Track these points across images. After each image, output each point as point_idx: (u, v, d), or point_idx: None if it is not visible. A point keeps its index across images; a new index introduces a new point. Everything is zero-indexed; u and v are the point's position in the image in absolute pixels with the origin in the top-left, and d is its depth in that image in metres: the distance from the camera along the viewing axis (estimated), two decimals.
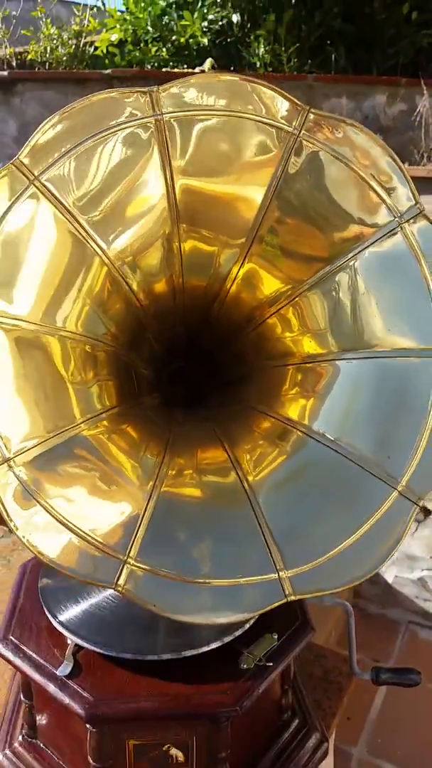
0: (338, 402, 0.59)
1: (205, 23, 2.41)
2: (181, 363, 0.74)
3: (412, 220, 0.55)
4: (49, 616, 0.66)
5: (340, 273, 0.60)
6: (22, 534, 0.47)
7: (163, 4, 2.50)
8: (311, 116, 0.54)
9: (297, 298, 0.63)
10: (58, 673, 0.61)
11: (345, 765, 1.57)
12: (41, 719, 0.70)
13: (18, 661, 0.64)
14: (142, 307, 0.63)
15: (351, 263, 0.59)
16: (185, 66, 2.54)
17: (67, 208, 0.53)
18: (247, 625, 0.64)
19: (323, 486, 0.55)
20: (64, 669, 0.62)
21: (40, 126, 0.51)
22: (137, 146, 0.54)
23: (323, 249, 0.60)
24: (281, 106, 0.55)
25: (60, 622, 0.65)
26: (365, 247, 0.57)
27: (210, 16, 2.38)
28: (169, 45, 2.52)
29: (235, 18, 2.33)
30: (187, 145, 0.55)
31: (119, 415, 0.59)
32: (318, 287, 0.61)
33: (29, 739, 0.71)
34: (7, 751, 0.71)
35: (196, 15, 2.36)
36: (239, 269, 0.63)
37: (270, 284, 0.64)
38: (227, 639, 0.63)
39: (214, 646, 0.62)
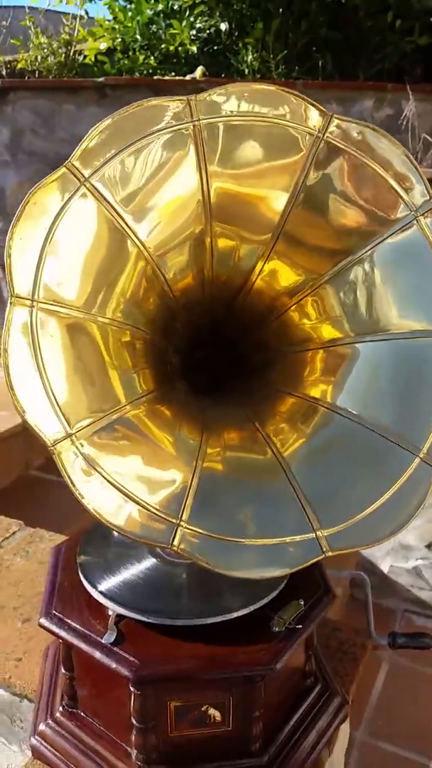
0: (359, 381, 0.64)
1: (194, 31, 2.47)
2: (206, 352, 0.78)
3: (426, 214, 0.60)
4: (90, 588, 0.70)
5: (357, 265, 0.65)
6: (87, 502, 0.51)
7: (150, 12, 2.55)
8: (335, 121, 0.60)
9: (317, 289, 0.68)
10: (103, 641, 0.66)
11: (347, 747, 1.62)
12: (82, 690, 0.74)
13: (63, 633, 0.68)
14: (175, 298, 0.67)
15: (368, 255, 0.64)
16: (173, 73, 2.60)
17: (113, 207, 0.58)
18: (275, 593, 0.69)
19: (350, 455, 0.60)
20: (109, 637, 0.66)
21: (90, 131, 0.56)
22: (176, 150, 0.59)
23: (343, 243, 0.65)
24: (306, 112, 0.60)
25: (101, 593, 0.69)
26: (384, 239, 0.63)
27: (198, 25, 2.44)
28: (158, 53, 2.57)
29: (223, 26, 2.40)
30: (222, 149, 0.60)
31: (156, 399, 0.64)
32: (337, 278, 0.67)
33: (70, 710, 0.75)
34: (49, 721, 0.76)
35: (184, 23, 2.42)
36: (264, 263, 0.68)
37: (292, 277, 0.69)
38: (259, 605, 0.68)
39: (247, 611, 0.67)
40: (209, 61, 2.52)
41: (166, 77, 2.31)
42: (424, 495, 0.56)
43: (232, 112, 0.59)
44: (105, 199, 0.58)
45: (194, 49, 2.41)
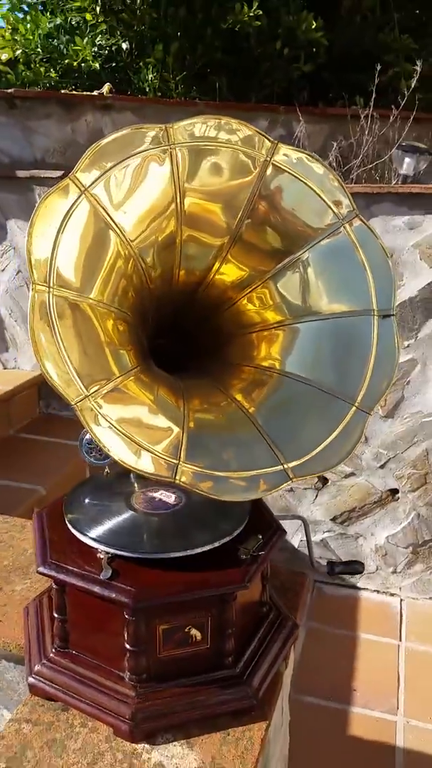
0: (305, 352, 0.81)
1: (95, 48, 2.59)
2: (166, 340, 0.92)
3: (350, 221, 0.78)
4: (82, 537, 0.82)
5: (296, 263, 0.82)
6: (108, 449, 0.64)
7: (50, 26, 2.64)
8: (281, 148, 0.76)
9: (263, 283, 0.85)
10: (101, 577, 0.78)
11: None
12: (74, 631, 0.85)
13: (63, 576, 0.79)
14: (149, 290, 0.81)
15: (305, 255, 0.82)
16: (74, 87, 2.70)
17: (107, 211, 0.71)
18: (239, 530, 0.84)
19: (303, 408, 0.76)
20: (106, 573, 0.78)
21: (87, 150, 0.69)
22: (156, 167, 0.73)
23: (285, 245, 0.82)
24: (258, 140, 0.76)
25: (92, 538, 0.81)
26: (317, 242, 0.80)
27: (99, 42, 2.56)
28: (59, 67, 2.66)
29: (125, 45, 2.53)
30: (191, 167, 0.75)
31: (140, 372, 0.77)
32: (279, 274, 0.84)
33: (62, 650, 0.86)
34: (44, 661, 0.86)
35: (86, 41, 2.53)
36: (221, 262, 0.83)
37: (243, 274, 0.85)
38: (227, 539, 0.83)
39: (218, 544, 0.82)
40: (109, 78, 2.64)
41: (74, 92, 2.41)
42: (360, 433, 0.74)
43: (200, 137, 0.74)
44: (101, 205, 0.70)
45: (96, 65, 2.52)
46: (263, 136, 0.76)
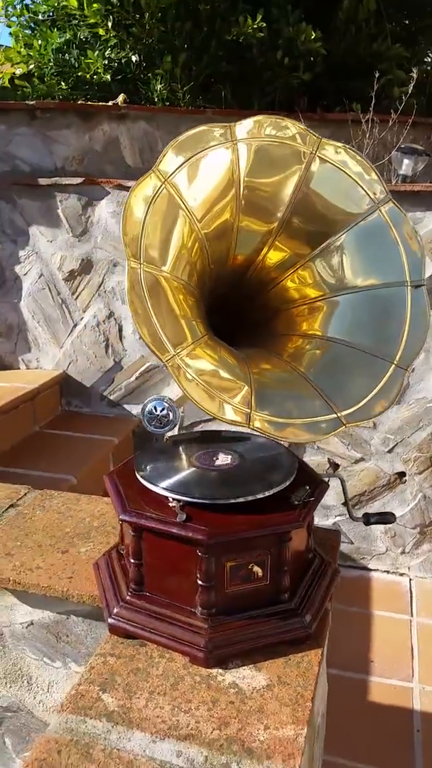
0: (345, 320, 0.93)
1: (105, 61, 2.71)
2: (217, 317, 1.04)
3: (384, 204, 0.90)
4: (154, 488, 0.93)
5: (336, 243, 0.94)
6: (194, 400, 0.75)
7: (60, 41, 2.77)
8: (325, 143, 0.88)
9: (306, 262, 0.96)
10: (177, 520, 0.89)
11: None
12: (148, 574, 0.96)
13: (143, 522, 0.90)
14: (210, 270, 0.93)
15: (344, 237, 0.93)
16: (84, 99, 2.82)
17: (182, 198, 0.83)
18: (290, 481, 0.96)
19: (348, 367, 0.88)
20: (181, 517, 0.89)
21: (167, 146, 0.80)
22: (221, 159, 0.85)
23: (326, 228, 0.94)
24: (305, 136, 0.88)
25: (165, 488, 0.92)
26: (355, 224, 0.92)
27: (110, 55, 2.69)
28: (71, 79, 2.78)
29: (134, 58, 2.66)
30: (249, 160, 0.87)
31: (208, 340, 0.89)
32: (321, 254, 0.95)
33: (137, 593, 0.97)
34: (122, 604, 0.96)
35: (97, 54, 2.65)
36: (270, 244, 0.95)
37: (288, 255, 0.97)
38: (280, 488, 0.94)
39: (273, 491, 0.93)
40: (119, 89, 2.77)
41: (90, 102, 2.53)
42: (399, 387, 0.86)
43: (256, 134, 0.86)
44: (178, 192, 0.82)
45: (107, 77, 2.65)
46: (310, 132, 0.88)
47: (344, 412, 0.82)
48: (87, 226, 2.30)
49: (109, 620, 0.96)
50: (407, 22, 3.28)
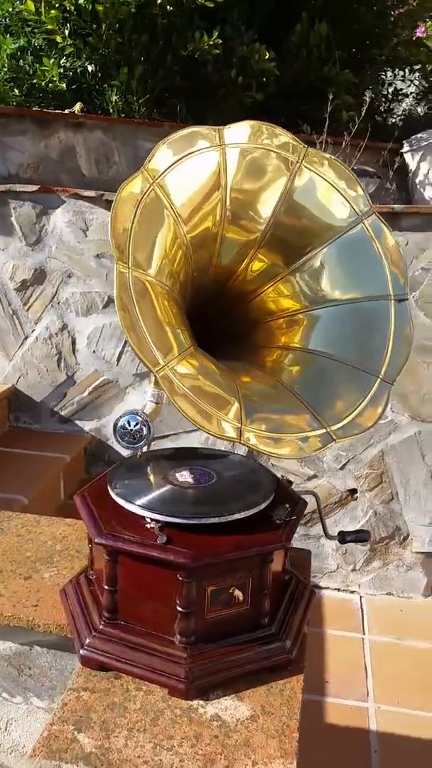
0: (329, 333, 0.91)
1: (61, 70, 2.65)
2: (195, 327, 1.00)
3: (367, 217, 0.89)
4: (131, 507, 0.88)
5: (319, 254, 0.93)
6: (184, 413, 0.71)
7: (14, 47, 2.69)
8: (310, 152, 0.87)
9: (289, 273, 0.94)
10: (158, 542, 0.84)
11: None
12: (123, 601, 0.90)
13: (120, 545, 0.85)
14: (192, 278, 0.89)
15: (327, 249, 0.92)
16: (37, 107, 2.74)
17: (171, 201, 0.79)
18: (269, 500, 0.92)
19: (334, 381, 0.86)
20: (161, 539, 0.84)
21: (155, 147, 0.77)
22: (208, 164, 0.82)
23: (309, 239, 0.92)
24: (293, 143, 0.86)
25: (143, 507, 0.87)
26: (339, 236, 0.90)
27: (66, 64, 2.63)
28: (25, 86, 2.70)
29: (90, 68, 2.61)
30: (236, 165, 0.84)
31: (194, 350, 0.85)
32: (304, 265, 0.93)
33: (111, 621, 0.91)
34: (94, 634, 0.90)
35: (53, 61, 2.59)
36: (253, 255, 0.92)
37: (270, 266, 0.94)
38: (262, 507, 0.90)
39: (257, 510, 0.89)
40: (74, 98, 2.71)
41: (47, 110, 2.46)
42: (386, 401, 0.84)
43: (244, 141, 0.84)
44: (166, 193, 0.79)
45: (63, 86, 2.59)
46: (296, 141, 0.87)
47: (334, 427, 0.80)
48: (41, 235, 2.22)
49: (81, 651, 0.89)
50: (354, 50, 3.37)
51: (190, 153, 0.80)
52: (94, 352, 2.33)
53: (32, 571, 1.10)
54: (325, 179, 0.88)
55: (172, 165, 0.79)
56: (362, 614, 2.44)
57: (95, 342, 2.32)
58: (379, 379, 0.85)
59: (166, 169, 0.78)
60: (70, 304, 2.30)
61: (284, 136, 0.86)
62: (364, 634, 2.34)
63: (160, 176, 0.78)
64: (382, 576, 2.48)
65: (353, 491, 2.45)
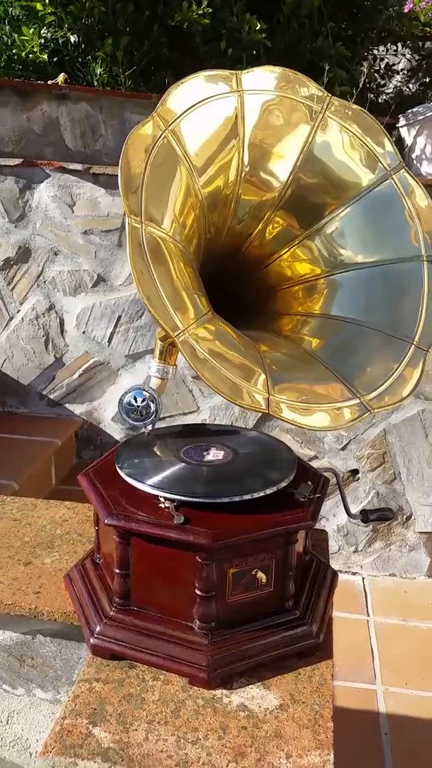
0: (356, 297, 0.84)
1: (42, 40, 2.54)
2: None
3: (397, 172, 0.83)
4: (144, 487, 0.81)
5: (343, 213, 0.86)
6: (207, 381, 0.65)
7: None
8: (335, 101, 0.80)
9: (310, 235, 0.88)
10: (174, 522, 0.77)
11: None
12: (136, 585, 0.84)
13: (133, 525, 0.78)
14: (207, 238, 0.82)
15: (352, 207, 0.85)
16: (17, 79, 2.63)
17: (186, 151, 0.72)
18: (291, 477, 0.86)
19: (365, 348, 0.80)
20: (179, 519, 0.78)
21: (169, 89, 0.70)
22: (226, 112, 0.75)
23: (334, 197, 0.85)
24: (315, 92, 0.80)
25: (157, 487, 0.81)
26: (366, 192, 0.84)
27: (47, 34, 2.52)
28: (2, 58, 2.59)
29: (73, 38, 2.51)
30: (255, 115, 0.77)
31: (212, 316, 0.78)
32: (327, 225, 0.87)
33: (123, 607, 0.84)
34: (105, 621, 0.84)
35: (32, 31, 2.48)
36: (273, 211, 0.85)
37: (290, 226, 0.88)
38: (284, 484, 0.85)
39: (278, 488, 0.83)
40: (56, 70, 2.60)
41: (29, 81, 2.35)
42: (422, 368, 0.78)
43: (263, 87, 0.77)
44: (183, 144, 0.71)
45: (44, 57, 2.48)
46: (320, 89, 0.80)
47: (368, 397, 0.74)
48: (25, 210, 2.13)
49: (92, 640, 0.83)
50: (345, 24, 3.29)
51: (209, 98, 0.73)
52: (83, 332, 2.25)
53: (32, 557, 1.03)
54: (350, 131, 0.82)
55: (186, 110, 0.72)
56: (365, 596, 2.41)
57: (85, 322, 2.24)
58: (413, 346, 0.79)
59: (180, 115, 0.71)
60: (57, 283, 2.21)
61: (312, 86, 0.79)
62: (368, 616, 2.31)
63: (174, 122, 0.71)
64: (384, 557, 2.45)
65: (355, 472, 2.41)
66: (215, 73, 0.75)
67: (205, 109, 0.74)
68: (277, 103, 0.79)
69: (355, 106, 0.82)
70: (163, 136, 0.70)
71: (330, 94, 0.81)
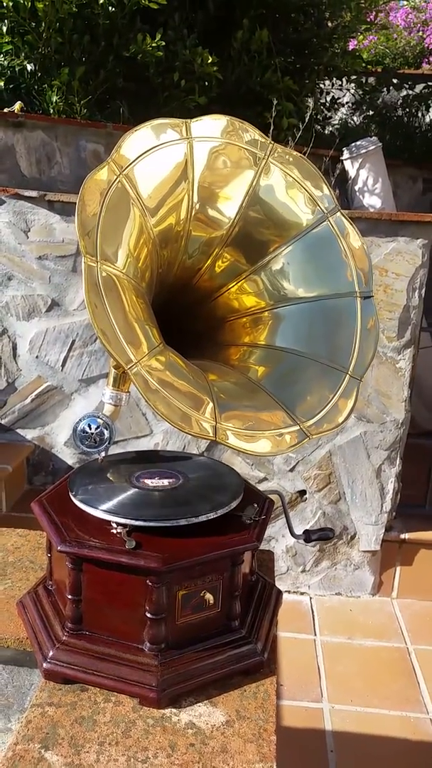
0: (300, 329, 0.90)
1: None
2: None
3: (333, 214, 0.89)
4: (96, 512, 0.84)
5: (285, 252, 0.92)
6: (159, 412, 0.68)
7: None
8: (278, 148, 0.86)
9: (255, 271, 0.93)
10: (126, 547, 0.80)
11: None
12: (87, 610, 0.86)
13: (86, 551, 0.81)
14: (158, 273, 0.87)
15: (293, 246, 0.91)
16: None
17: (138, 193, 0.77)
18: (238, 501, 0.91)
19: (304, 378, 0.85)
20: (130, 544, 0.81)
21: (123, 136, 0.74)
22: (175, 157, 0.80)
23: (275, 237, 0.91)
24: (259, 138, 0.85)
25: (109, 512, 0.84)
26: (305, 233, 0.90)
27: (3, 62, 2.55)
28: None
29: (29, 67, 2.54)
30: (205, 159, 0.82)
31: (163, 348, 0.82)
32: (271, 262, 0.93)
33: (75, 632, 0.86)
34: (58, 646, 0.86)
35: None
36: (220, 249, 0.91)
37: (236, 263, 0.93)
38: (232, 506, 0.89)
39: (226, 510, 0.87)
40: (12, 98, 2.63)
41: None
42: (355, 397, 0.84)
43: (211, 135, 0.82)
44: (135, 187, 0.76)
45: (1, 84, 2.51)
46: (263, 136, 0.86)
47: (307, 423, 0.79)
48: None
49: (45, 665, 0.85)
50: (293, 58, 3.43)
51: (160, 145, 0.78)
52: (37, 357, 2.26)
53: None
54: (291, 176, 0.88)
55: (139, 156, 0.76)
56: (313, 615, 2.46)
57: (38, 347, 2.25)
58: (348, 375, 0.85)
59: (133, 161, 0.76)
60: (11, 307, 2.22)
61: (253, 132, 0.85)
62: (315, 635, 2.35)
63: (127, 167, 0.75)
64: (330, 576, 2.51)
65: (302, 492, 2.46)
66: (166, 122, 0.80)
67: (157, 155, 0.79)
68: (224, 149, 0.85)
69: (295, 153, 0.88)
70: (117, 180, 0.74)
71: (273, 141, 0.87)
